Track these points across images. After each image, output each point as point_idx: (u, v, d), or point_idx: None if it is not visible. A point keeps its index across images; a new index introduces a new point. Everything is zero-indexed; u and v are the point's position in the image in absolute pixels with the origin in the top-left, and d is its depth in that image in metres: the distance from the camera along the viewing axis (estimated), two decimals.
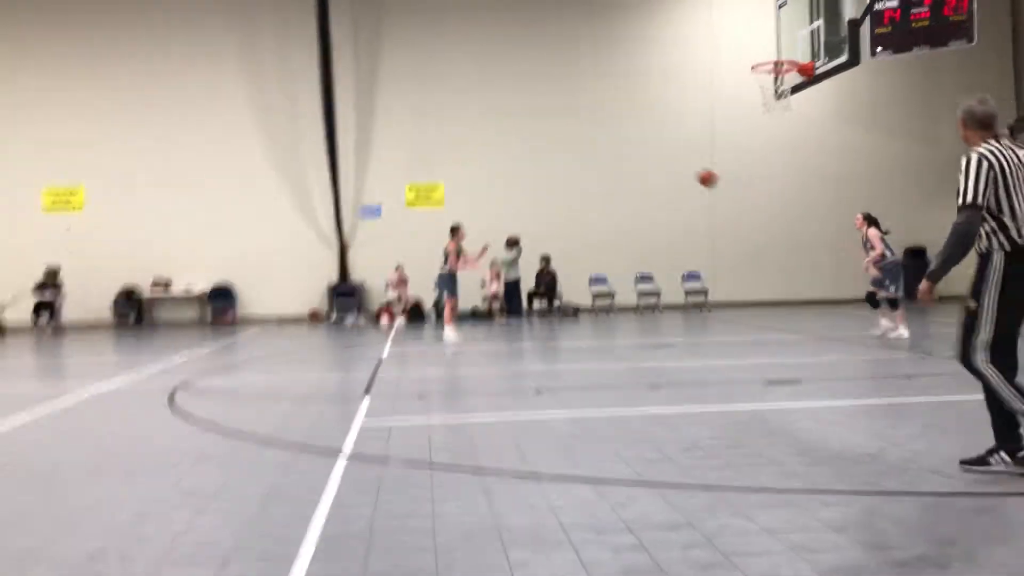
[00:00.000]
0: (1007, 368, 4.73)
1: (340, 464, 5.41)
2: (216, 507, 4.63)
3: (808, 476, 4.89)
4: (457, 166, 20.70)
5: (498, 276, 19.18)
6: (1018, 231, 4.70)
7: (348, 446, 5.96)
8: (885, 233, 12.43)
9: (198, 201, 20.08)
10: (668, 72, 21.18)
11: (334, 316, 19.92)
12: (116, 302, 20.03)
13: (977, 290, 4.75)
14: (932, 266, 4.82)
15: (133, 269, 20.02)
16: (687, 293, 20.69)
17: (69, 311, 19.40)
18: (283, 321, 19.88)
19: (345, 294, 20.32)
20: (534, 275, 19.81)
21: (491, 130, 20.72)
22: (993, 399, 4.74)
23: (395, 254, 20.04)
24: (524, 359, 12.44)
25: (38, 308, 19.08)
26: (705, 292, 20.55)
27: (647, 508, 4.36)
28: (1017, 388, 4.65)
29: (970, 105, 4.92)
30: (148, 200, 19.95)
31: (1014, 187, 4.72)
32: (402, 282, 19.77)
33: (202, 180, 20.09)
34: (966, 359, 4.79)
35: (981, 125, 4.88)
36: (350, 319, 19.52)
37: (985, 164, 4.67)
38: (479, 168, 20.69)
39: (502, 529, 4.06)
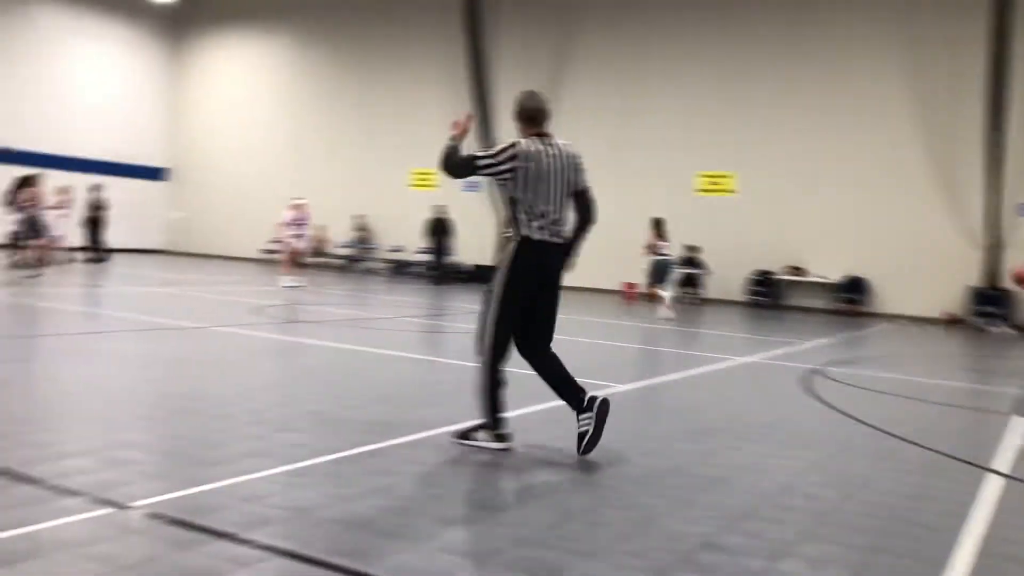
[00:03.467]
0: (500, 357, 4.98)
1: (991, 481, 5.04)
2: (862, 496, 4.69)
3: None
4: None
5: None
6: (530, 225, 4.90)
7: (1001, 464, 5.51)
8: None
9: (838, 192, 20.09)
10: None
11: (977, 322, 18.29)
12: (751, 282, 21.15)
13: (494, 276, 5.02)
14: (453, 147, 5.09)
15: (769, 253, 20.91)
16: None
17: (710, 288, 21.13)
18: (914, 320, 18.92)
19: (989, 299, 18.51)
20: None
21: None
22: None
23: None
24: None
25: (682, 282, 21.18)
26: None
27: None
28: (494, 388, 4.97)
29: (519, 99, 5.08)
30: (790, 189, 20.59)
31: (545, 183, 4.89)
32: None
33: (845, 172, 20.03)
34: (478, 342, 5.04)
35: (526, 119, 5.04)
36: (996, 327, 17.74)
37: (510, 151, 4.89)
38: None
39: None
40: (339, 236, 26.33)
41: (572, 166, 5.04)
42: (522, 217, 4.96)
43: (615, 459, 5.08)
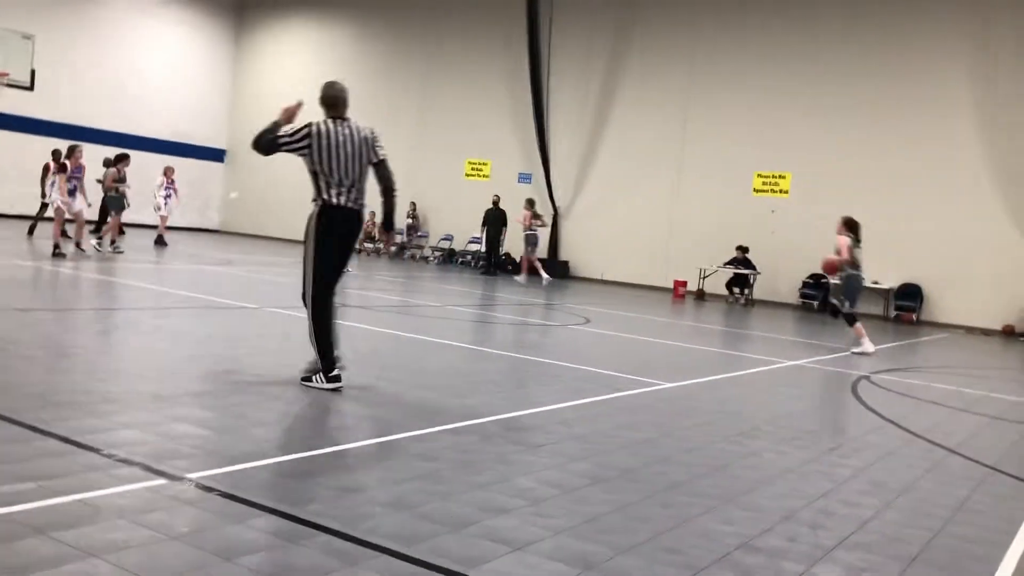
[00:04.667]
0: (322, 308, 5.83)
1: None
2: (904, 504, 4.66)
3: None
4: None
5: None
6: (329, 192, 5.76)
7: None
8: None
9: (894, 195, 19.68)
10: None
11: None
12: (804, 285, 20.87)
13: (306, 239, 5.85)
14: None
15: (820, 257, 20.61)
16: None
17: (759, 289, 20.90)
18: (971, 330, 18.55)
19: None
20: None
21: None
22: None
23: None
24: None
25: (732, 282, 21.01)
26: None
27: None
28: (321, 336, 5.84)
29: (322, 87, 5.91)
30: (843, 190, 20.26)
31: (337, 158, 5.73)
32: None
33: (902, 174, 19.65)
34: (303, 297, 5.94)
35: (324, 103, 5.91)
36: None
37: (305, 130, 5.74)
38: None
39: None
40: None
41: (366, 143, 5.88)
42: (323, 186, 5.81)
43: (659, 457, 5.11)
